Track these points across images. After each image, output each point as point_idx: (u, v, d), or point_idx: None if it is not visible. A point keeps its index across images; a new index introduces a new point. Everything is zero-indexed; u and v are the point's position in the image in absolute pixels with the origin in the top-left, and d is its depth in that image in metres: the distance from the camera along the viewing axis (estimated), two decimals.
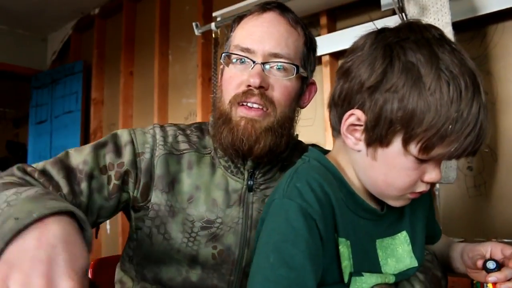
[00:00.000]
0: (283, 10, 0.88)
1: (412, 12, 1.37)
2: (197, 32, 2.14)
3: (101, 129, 3.21)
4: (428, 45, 0.60)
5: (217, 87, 0.94)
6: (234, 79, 0.85)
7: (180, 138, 0.91)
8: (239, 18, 0.92)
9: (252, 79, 0.81)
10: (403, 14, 1.39)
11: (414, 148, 0.60)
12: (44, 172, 0.77)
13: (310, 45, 0.91)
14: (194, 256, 0.84)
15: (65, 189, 0.77)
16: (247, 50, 0.84)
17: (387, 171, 0.63)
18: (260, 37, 0.84)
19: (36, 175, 0.76)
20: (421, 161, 0.61)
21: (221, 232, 0.85)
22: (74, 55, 3.48)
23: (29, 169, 0.77)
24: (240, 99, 0.83)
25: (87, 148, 0.84)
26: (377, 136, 0.61)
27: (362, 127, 0.63)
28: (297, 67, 0.85)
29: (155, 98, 2.67)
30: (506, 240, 1.35)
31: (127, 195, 0.86)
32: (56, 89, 3.44)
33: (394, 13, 1.51)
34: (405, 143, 0.60)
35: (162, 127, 0.92)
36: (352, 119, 0.64)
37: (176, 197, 0.86)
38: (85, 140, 3.21)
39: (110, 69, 3.18)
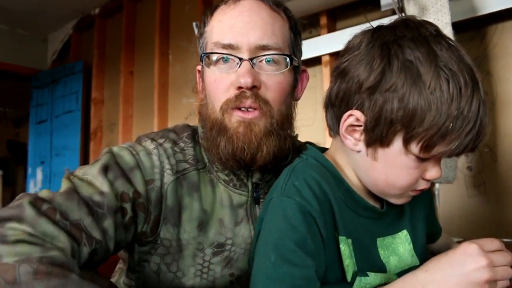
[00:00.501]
0: None
1: (412, 12, 1.37)
2: (197, 32, 2.14)
3: (101, 128, 3.22)
4: (426, 42, 0.59)
5: (199, 91, 0.83)
6: (220, 82, 0.74)
7: (178, 156, 0.79)
8: (211, 10, 0.80)
9: (242, 79, 0.71)
10: (403, 14, 1.39)
11: (415, 147, 0.59)
12: (64, 212, 0.63)
13: (295, 29, 0.81)
14: (210, 287, 0.76)
15: (95, 232, 0.65)
16: (229, 46, 0.73)
17: (388, 170, 0.63)
18: (242, 28, 0.73)
19: (57, 216, 0.61)
20: (421, 159, 0.61)
21: (234, 255, 0.77)
22: (74, 55, 3.48)
23: (44, 207, 0.61)
24: (234, 105, 0.73)
25: (94, 173, 0.71)
26: (377, 136, 0.61)
27: (362, 128, 0.63)
28: (290, 57, 0.76)
29: (155, 98, 2.67)
30: (505, 240, 1.35)
31: (135, 228, 0.74)
32: (57, 89, 3.44)
33: (393, 13, 1.51)
34: (406, 143, 0.60)
35: (159, 144, 0.79)
36: (351, 120, 0.64)
37: (185, 227, 0.75)
38: (85, 140, 3.22)
39: (110, 69, 3.18)
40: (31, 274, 0.51)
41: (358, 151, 0.65)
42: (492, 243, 0.60)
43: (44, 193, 0.66)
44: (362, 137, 0.64)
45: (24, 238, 0.56)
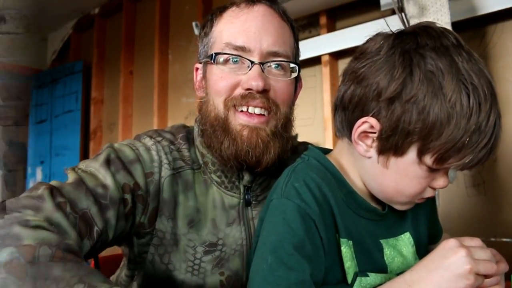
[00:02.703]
0: (271, 1, 0.80)
1: (411, 12, 1.37)
2: (197, 31, 2.14)
3: (101, 128, 3.21)
4: (448, 53, 0.59)
5: (197, 89, 0.85)
6: (225, 79, 0.76)
7: (174, 154, 0.81)
8: (219, 11, 0.82)
9: (254, 82, 0.73)
10: (403, 14, 1.39)
11: (429, 159, 0.60)
12: (73, 201, 0.67)
13: (297, 38, 0.85)
14: (201, 285, 0.78)
15: (99, 221, 0.68)
16: (241, 48, 0.76)
17: (398, 179, 0.63)
18: (255, 33, 0.76)
19: (67, 209, 0.65)
20: (433, 170, 0.61)
21: (225, 255, 0.79)
22: (74, 55, 3.48)
23: (58, 199, 0.65)
24: (240, 103, 0.75)
25: (97, 166, 0.74)
26: (391, 145, 0.61)
27: (375, 135, 0.63)
28: (298, 66, 0.80)
29: (155, 98, 2.66)
30: (505, 240, 1.35)
31: (134, 218, 0.77)
32: (56, 89, 3.44)
33: (393, 13, 1.51)
34: (421, 154, 0.60)
35: (158, 142, 0.81)
36: (365, 127, 0.63)
37: (177, 223, 0.78)
38: (85, 140, 3.21)
39: (110, 69, 3.18)
40: (49, 257, 0.54)
41: (369, 157, 0.65)
42: (472, 240, 0.60)
43: (55, 183, 0.69)
44: (375, 144, 0.63)
45: (44, 225, 0.60)
